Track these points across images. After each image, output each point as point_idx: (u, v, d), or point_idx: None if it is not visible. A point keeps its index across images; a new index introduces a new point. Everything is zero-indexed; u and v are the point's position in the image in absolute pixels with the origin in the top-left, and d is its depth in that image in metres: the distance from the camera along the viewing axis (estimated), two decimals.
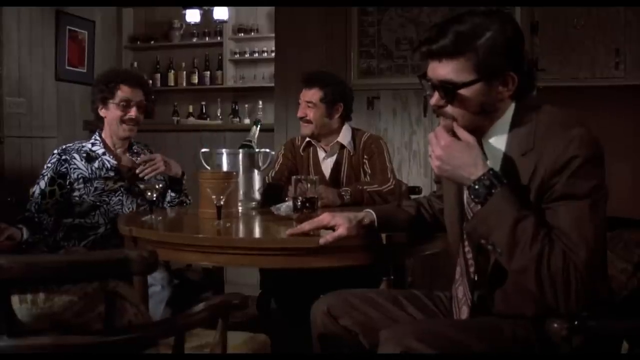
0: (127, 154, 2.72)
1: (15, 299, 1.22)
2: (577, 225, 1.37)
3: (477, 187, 1.44)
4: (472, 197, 1.46)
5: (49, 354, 1.23)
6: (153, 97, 2.83)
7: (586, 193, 1.38)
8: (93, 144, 2.67)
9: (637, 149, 3.60)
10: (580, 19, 3.63)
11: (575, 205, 1.38)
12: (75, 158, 2.62)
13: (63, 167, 2.60)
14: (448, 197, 1.69)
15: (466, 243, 1.60)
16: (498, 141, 1.52)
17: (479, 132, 1.52)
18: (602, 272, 1.50)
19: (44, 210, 2.57)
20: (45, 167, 2.63)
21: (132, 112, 2.62)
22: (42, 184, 2.59)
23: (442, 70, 1.46)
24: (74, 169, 2.60)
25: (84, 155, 2.64)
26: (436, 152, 1.51)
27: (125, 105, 2.61)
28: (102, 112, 2.66)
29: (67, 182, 2.59)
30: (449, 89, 1.45)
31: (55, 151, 2.66)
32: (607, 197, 1.42)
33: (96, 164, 2.63)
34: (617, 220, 1.68)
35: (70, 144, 2.70)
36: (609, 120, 3.47)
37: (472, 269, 1.58)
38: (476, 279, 1.57)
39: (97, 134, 2.71)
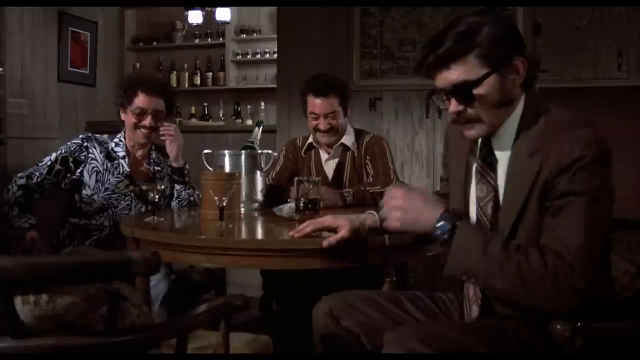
0: (145, 163, 2.71)
1: (18, 300, 1.22)
2: (573, 222, 1.38)
3: (436, 233, 1.49)
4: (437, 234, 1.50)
5: (52, 355, 1.23)
6: (176, 106, 2.77)
7: (587, 190, 1.38)
8: (116, 144, 2.68)
9: (639, 150, 3.59)
10: (582, 20, 3.62)
11: (575, 202, 1.38)
12: (95, 148, 2.64)
13: (82, 154, 2.62)
14: (454, 196, 1.69)
15: None
16: (506, 140, 1.52)
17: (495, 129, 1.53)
18: (604, 272, 1.50)
19: (42, 187, 2.58)
20: (65, 144, 2.65)
21: (147, 121, 2.61)
22: (54, 157, 2.61)
23: (453, 74, 1.46)
24: (91, 159, 2.62)
25: (105, 151, 2.65)
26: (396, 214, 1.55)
27: (140, 113, 2.60)
28: (122, 116, 2.67)
29: (78, 171, 2.60)
30: (465, 90, 1.46)
31: (81, 136, 2.69)
32: (613, 197, 1.42)
33: (113, 164, 2.64)
34: (619, 221, 1.68)
35: (98, 135, 2.71)
36: (612, 121, 3.45)
37: None
38: None
39: (121, 134, 2.72)
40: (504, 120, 1.52)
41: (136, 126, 2.62)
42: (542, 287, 1.36)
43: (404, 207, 1.53)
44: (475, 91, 1.46)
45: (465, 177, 1.63)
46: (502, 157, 1.53)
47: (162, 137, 2.65)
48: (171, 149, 2.67)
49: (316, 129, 2.80)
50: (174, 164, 2.70)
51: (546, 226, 1.42)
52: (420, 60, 1.51)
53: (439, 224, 1.48)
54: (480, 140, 1.57)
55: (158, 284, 2.39)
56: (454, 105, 1.49)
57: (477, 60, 1.45)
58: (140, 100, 2.60)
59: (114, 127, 2.79)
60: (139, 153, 2.71)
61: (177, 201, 2.72)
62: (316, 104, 2.76)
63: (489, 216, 1.55)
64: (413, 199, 1.53)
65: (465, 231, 1.46)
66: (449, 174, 1.78)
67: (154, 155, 2.76)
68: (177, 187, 2.71)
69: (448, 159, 1.80)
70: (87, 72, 5.24)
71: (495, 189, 1.54)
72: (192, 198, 2.72)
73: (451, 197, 1.73)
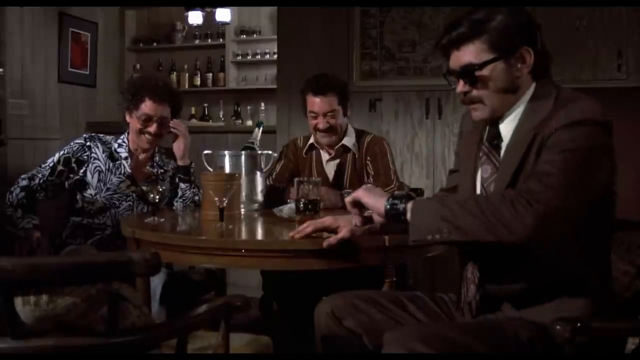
0: (148, 165, 2.71)
1: (18, 301, 1.22)
2: (551, 166, 1.41)
3: (393, 202, 1.57)
4: (392, 213, 1.57)
5: (52, 355, 1.23)
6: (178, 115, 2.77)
7: (572, 147, 1.41)
8: (119, 145, 2.69)
9: (639, 151, 3.59)
10: (582, 21, 3.62)
11: (561, 153, 1.42)
12: (98, 148, 2.65)
13: (85, 154, 2.62)
14: (462, 185, 1.72)
15: None
16: (514, 122, 1.58)
17: (504, 113, 1.59)
18: (602, 267, 1.52)
19: (44, 188, 2.59)
20: (68, 145, 2.66)
21: (152, 128, 2.60)
22: (57, 158, 2.62)
23: (462, 56, 1.56)
24: (94, 159, 2.62)
25: (107, 151, 2.66)
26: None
27: (146, 119, 2.59)
28: (127, 118, 2.67)
29: (81, 171, 2.60)
30: (470, 72, 1.54)
31: (84, 135, 2.70)
32: (601, 163, 1.44)
33: (115, 164, 2.64)
34: (619, 222, 1.68)
35: (102, 135, 2.72)
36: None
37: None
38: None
39: (125, 135, 2.72)
40: (508, 106, 1.58)
41: (141, 132, 2.62)
42: (500, 215, 1.39)
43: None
44: (479, 74, 1.54)
45: (474, 166, 1.66)
46: (506, 136, 1.59)
47: (174, 130, 2.67)
48: (178, 147, 2.69)
49: (316, 129, 2.80)
50: (180, 163, 2.71)
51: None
52: (438, 41, 1.62)
53: (394, 195, 1.59)
54: (488, 125, 1.63)
55: (152, 281, 2.38)
56: (460, 86, 1.59)
57: (485, 46, 1.53)
58: (147, 106, 2.59)
59: (115, 128, 2.80)
60: (142, 156, 2.71)
61: (181, 200, 2.71)
62: (315, 102, 2.76)
63: None
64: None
65: (420, 199, 1.57)
66: (460, 164, 1.80)
67: (157, 158, 2.76)
68: (182, 185, 2.71)
69: (460, 149, 1.84)
70: (87, 72, 5.24)
71: (499, 169, 1.58)
72: (196, 197, 2.71)
73: (459, 186, 1.75)
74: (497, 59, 1.53)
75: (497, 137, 1.61)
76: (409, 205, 1.53)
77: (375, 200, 1.63)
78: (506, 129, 1.59)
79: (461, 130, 1.85)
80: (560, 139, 1.43)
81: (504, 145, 1.59)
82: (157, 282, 2.38)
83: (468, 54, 1.54)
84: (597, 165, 1.44)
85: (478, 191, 1.63)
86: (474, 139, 1.69)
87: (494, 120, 1.61)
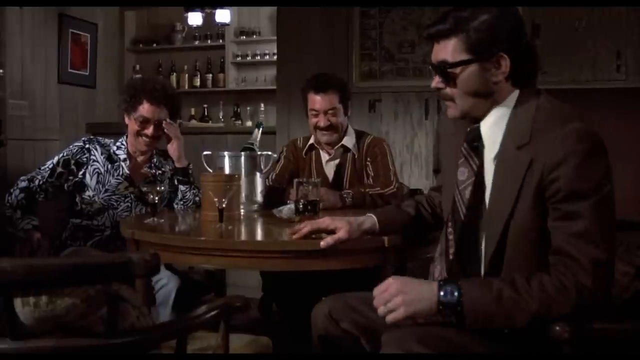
0: (145, 167, 2.72)
1: (17, 302, 1.22)
2: (585, 228, 1.37)
3: (445, 298, 1.42)
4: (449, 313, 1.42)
5: (52, 356, 1.23)
6: (180, 118, 2.78)
7: (591, 189, 1.38)
8: (118, 147, 2.70)
9: (638, 151, 3.59)
10: (581, 21, 3.63)
11: (582, 205, 1.38)
12: (97, 150, 2.66)
13: (84, 156, 2.64)
14: (446, 192, 1.70)
15: (449, 224, 1.62)
16: (497, 128, 1.53)
17: (478, 116, 1.56)
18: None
19: (44, 189, 2.60)
20: (67, 147, 2.68)
21: (149, 131, 2.62)
22: (56, 160, 2.63)
23: (440, 52, 1.54)
24: (93, 160, 2.64)
25: (106, 153, 2.67)
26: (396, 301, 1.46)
27: (144, 121, 2.61)
28: (126, 121, 2.68)
29: (80, 173, 2.61)
30: (443, 69, 1.53)
31: (83, 138, 2.72)
32: (613, 190, 1.42)
33: (113, 165, 2.66)
34: (618, 222, 1.68)
35: (101, 138, 2.74)
36: (610, 122, 3.45)
37: (451, 250, 1.60)
38: (452, 258, 1.59)
39: (124, 138, 2.74)
40: (480, 109, 1.54)
41: (138, 134, 2.64)
42: (556, 301, 1.37)
43: (402, 290, 1.45)
44: (452, 73, 1.52)
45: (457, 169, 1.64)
46: (490, 147, 1.54)
47: (166, 132, 2.67)
48: (173, 149, 2.69)
49: (316, 127, 2.81)
50: (178, 165, 2.71)
51: (557, 228, 1.41)
52: (424, 31, 1.61)
53: (444, 289, 1.42)
54: (470, 124, 1.60)
55: (167, 285, 2.38)
56: (434, 81, 1.58)
57: (461, 45, 1.50)
58: (145, 109, 2.61)
59: (114, 129, 2.81)
60: (140, 158, 2.72)
61: (182, 202, 2.71)
62: (316, 100, 2.77)
63: (466, 201, 1.56)
64: (405, 281, 1.48)
65: (471, 292, 1.41)
66: (441, 168, 1.80)
67: (155, 160, 2.76)
68: (181, 187, 2.71)
69: (439, 151, 1.83)
70: (87, 73, 5.24)
71: (476, 174, 1.55)
72: (197, 198, 2.70)
73: (443, 188, 1.75)
74: (471, 60, 1.49)
75: (478, 139, 1.56)
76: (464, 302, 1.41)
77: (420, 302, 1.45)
78: (488, 133, 1.54)
79: (438, 133, 1.84)
80: (570, 191, 1.38)
81: (486, 152, 1.55)
82: (171, 287, 2.38)
83: (445, 50, 1.52)
84: (610, 197, 1.41)
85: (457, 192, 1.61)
86: (459, 141, 1.64)
87: (476, 120, 1.57)
